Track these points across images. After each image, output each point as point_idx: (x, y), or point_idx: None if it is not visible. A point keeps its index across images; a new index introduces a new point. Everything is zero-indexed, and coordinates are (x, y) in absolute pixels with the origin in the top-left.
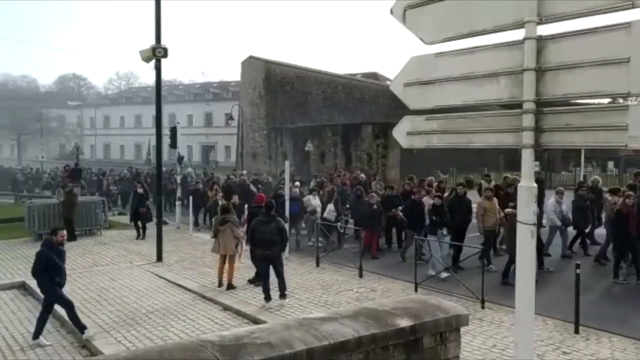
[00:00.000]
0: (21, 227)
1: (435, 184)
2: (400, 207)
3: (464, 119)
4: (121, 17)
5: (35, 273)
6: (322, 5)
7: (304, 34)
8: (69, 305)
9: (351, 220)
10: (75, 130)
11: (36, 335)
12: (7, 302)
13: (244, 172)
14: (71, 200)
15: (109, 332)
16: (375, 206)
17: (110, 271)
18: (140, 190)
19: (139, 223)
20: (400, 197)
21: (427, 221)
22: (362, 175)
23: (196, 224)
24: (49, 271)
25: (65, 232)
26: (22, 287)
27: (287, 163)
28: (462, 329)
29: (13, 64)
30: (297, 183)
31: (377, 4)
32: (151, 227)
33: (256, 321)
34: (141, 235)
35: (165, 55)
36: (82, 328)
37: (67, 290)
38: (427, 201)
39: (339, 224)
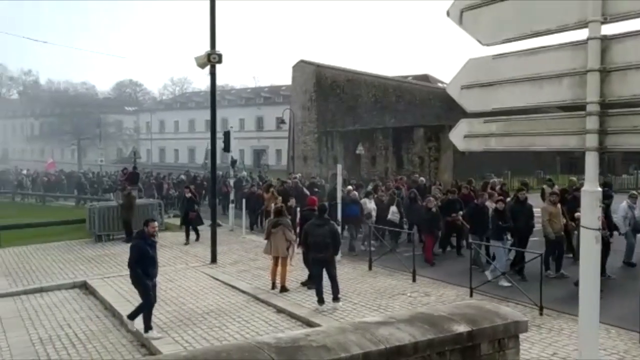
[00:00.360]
0: (82, 229)
1: (497, 188)
2: (461, 212)
3: (525, 121)
4: (175, 25)
5: (130, 265)
6: (372, 8)
7: (355, 36)
8: (148, 305)
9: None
10: (132, 135)
11: (146, 329)
12: (70, 301)
13: (298, 175)
14: (129, 202)
15: (167, 332)
16: (433, 210)
17: (167, 272)
18: (188, 195)
19: (190, 227)
20: (461, 201)
21: (491, 226)
22: (422, 179)
23: (251, 226)
24: (142, 262)
25: (156, 223)
26: (84, 286)
27: (339, 166)
28: (521, 336)
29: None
30: (350, 187)
31: (428, 5)
32: (205, 230)
33: (309, 324)
34: (189, 240)
35: (219, 61)
36: (148, 328)
37: (125, 290)
38: (490, 205)
39: (405, 225)
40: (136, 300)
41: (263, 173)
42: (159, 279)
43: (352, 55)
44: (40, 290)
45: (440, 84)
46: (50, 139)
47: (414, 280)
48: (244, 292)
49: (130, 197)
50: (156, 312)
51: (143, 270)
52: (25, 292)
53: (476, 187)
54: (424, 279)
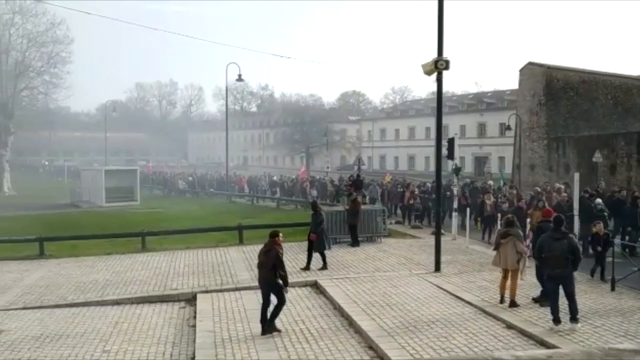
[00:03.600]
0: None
1: None
2: None
3: None
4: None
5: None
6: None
7: (588, 33)
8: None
9: None
10: (355, 143)
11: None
12: (303, 298)
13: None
14: (355, 208)
15: (393, 337)
16: None
17: (391, 278)
18: (313, 211)
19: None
20: None
21: None
22: None
23: (482, 236)
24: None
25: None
26: (315, 285)
27: (576, 175)
28: None
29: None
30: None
31: None
32: (427, 238)
33: (544, 343)
34: (309, 266)
35: (446, 68)
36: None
37: (352, 292)
38: None
39: None
40: (361, 302)
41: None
42: (383, 284)
43: (586, 54)
44: None
45: None
46: (283, 147)
47: None
48: (470, 303)
49: (356, 202)
50: (382, 315)
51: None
52: None
53: None
54: None
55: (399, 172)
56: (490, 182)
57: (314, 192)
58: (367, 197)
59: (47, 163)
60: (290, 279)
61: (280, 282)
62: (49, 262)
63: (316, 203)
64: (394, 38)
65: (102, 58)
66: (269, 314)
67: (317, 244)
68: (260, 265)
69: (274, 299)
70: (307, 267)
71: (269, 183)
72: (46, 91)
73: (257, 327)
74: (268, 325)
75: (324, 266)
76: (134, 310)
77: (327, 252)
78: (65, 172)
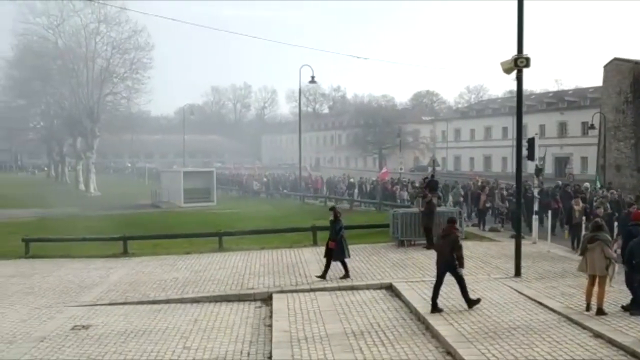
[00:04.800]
0: (384, 233)
1: None
2: None
3: None
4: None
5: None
6: None
7: None
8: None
9: None
10: (429, 144)
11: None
12: (378, 301)
13: None
14: (430, 209)
15: (472, 343)
16: None
17: (468, 282)
18: (332, 218)
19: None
20: None
21: None
22: None
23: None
24: None
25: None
26: (390, 288)
27: None
28: None
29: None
30: None
31: None
32: (507, 242)
33: (635, 355)
34: (325, 275)
35: (527, 65)
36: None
37: (428, 296)
38: None
39: None
40: (441, 305)
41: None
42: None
43: None
44: (352, 288)
45: None
46: (355, 148)
47: None
48: (553, 310)
49: (431, 204)
50: (460, 320)
51: None
52: (340, 289)
53: None
54: None
55: (475, 174)
56: (587, 185)
57: (405, 194)
58: (451, 200)
59: (129, 165)
60: (364, 282)
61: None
62: (132, 260)
63: (336, 209)
64: (468, 36)
65: (180, 63)
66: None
67: (336, 253)
68: (438, 248)
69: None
70: (323, 276)
71: (347, 185)
72: (129, 96)
73: (334, 328)
74: (468, 301)
75: (346, 274)
76: (212, 308)
77: (396, 252)
78: (146, 173)
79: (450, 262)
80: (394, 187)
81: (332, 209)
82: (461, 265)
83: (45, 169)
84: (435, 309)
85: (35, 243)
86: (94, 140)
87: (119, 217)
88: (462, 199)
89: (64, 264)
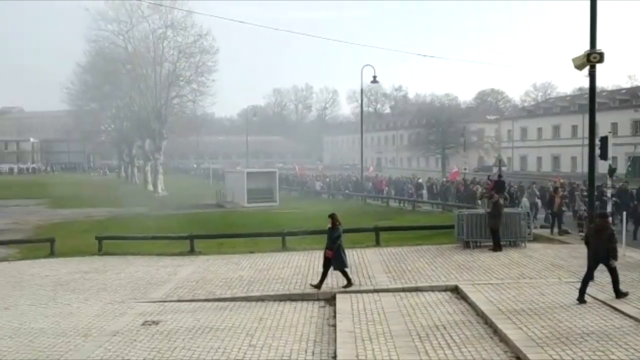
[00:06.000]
0: (448, 234)
1: None
2: None
3: None
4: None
5: None
6: None
7: None
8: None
9: None
10: (494, 143)
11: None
12: (443, 303)
13: None
14: (497, 210)
15: (542, 347)
16: None
17: (538, 285)
18: (330, 225)
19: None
20: None
21: None
22: None
23: None
24: None
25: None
26: (455, 290)
27: None
28: None
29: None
30: None
31: None
32: (577, 243)
33: None
34: (320, 285)
35: (600, 61)
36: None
37: (496, 299)
38: None
39: None
40: (505, 308)
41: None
42: (529, 291)
43: None
44: (416, 289)
45: None
46: (417, 148)
47: None
48: (629, 316)
49: (498, 205)
50: (529, 324)
51: None
52: (403, 290)
53: None
54: None
55: (542, 174)
56: None
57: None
58: (527, 202)
59: (195, 166)
60: (428, 283)
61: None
62: (198, 259)
63: (335, 216)
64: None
65: (243, 65)
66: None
67: (335, 262)
68: (592, 242)
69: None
70: (318, 286)
71: (415, 185)
72: (194, 99)
73: (398, 330)
74: (617, 292)
75: (348, 283)
76: (276, 307)
77: (462, 253)
78: (211, 174)
79: (604, 255)
80: (475, 187)
81: (331, 215)
82: (614, 257)
83: (116, 170)
84: (582, 299)
85: (107, 241)
86: (161, 142)
87: (186, 216)
88: (537, 200)
89: (134, 261)
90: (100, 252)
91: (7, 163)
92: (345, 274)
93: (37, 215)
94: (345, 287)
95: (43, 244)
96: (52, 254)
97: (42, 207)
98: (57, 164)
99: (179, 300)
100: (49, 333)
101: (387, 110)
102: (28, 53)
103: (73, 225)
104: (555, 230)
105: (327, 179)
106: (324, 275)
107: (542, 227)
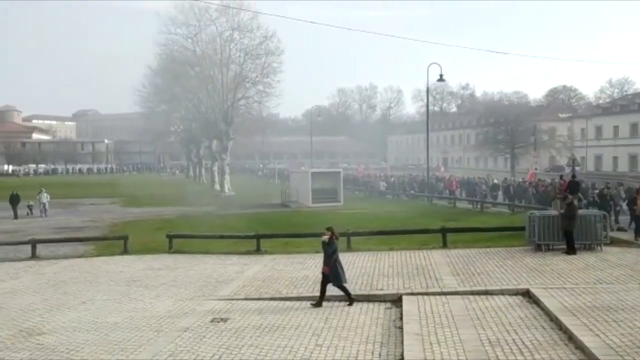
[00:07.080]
0: (518, 236)
1: None
2: None
3: None
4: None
5: None
6: None
7: None
8: None
9: None
10: (566, 142)
11: None
12: (514, 307)
13: None
14: (571, 212)
15: (622, 356)
16: None
17: (616, 290)
18: (324, 238)
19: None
20: None
21: None
22: None
23: None
24: None
25: None
26: (527, 294)
27: None
28: None
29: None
30: None
31: None
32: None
33: None
34: (321, 302)
35: None
36: None
37: (570, 304)
38: None
39: None
40: (584, 314)
41: None
42: (607, 297)
43: None
44: (486, 292)
45: None
46: (485, 147)
47: None
48: None
49: (572, 206)
50: (607, 332)
51: None
52: (472, 293)
53: None
54: None
55: (618, 175)
56: None
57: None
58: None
59: (262, 165)
60: (499, 287)
61: None
62: (264, 258)
63: (332, 229)
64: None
65: (308, 66)
66: None
67: (332, 278)
68: None
69: None
70: (318, 304)
71: (490, 186)
72: (260, 100)
73: (467, 334)
74: None
75: (350, 301)
76: (342, 307)
77: (533, 256)
78: (276, 174)
79: None
80: (550, 188)
81: (329, 228)
82: None
83: (185, 170)
84: None
85: (177, 239)
86: (228, 142)
87: (252, 216)
88: (624, 202)
89: (203, 259)
90: (171, 249)
91: (83, 163)
92: (344, 290)
93: (111, 213)
94: (349, 305)
95: (117, 241)
96: (125, 251)
97: (116, 205)
98: (130, 164)
99: (246, 299)
100: (123, 327)
101: (453, 109)
102: (103, 58)
103: (145, 224)
104: None
105: (392, 179)
106: (322, 291)
107: (618, 229)
